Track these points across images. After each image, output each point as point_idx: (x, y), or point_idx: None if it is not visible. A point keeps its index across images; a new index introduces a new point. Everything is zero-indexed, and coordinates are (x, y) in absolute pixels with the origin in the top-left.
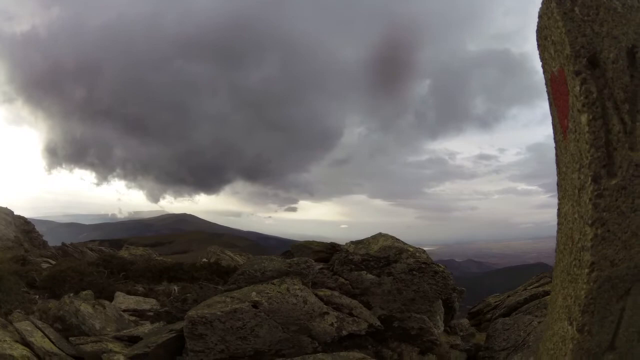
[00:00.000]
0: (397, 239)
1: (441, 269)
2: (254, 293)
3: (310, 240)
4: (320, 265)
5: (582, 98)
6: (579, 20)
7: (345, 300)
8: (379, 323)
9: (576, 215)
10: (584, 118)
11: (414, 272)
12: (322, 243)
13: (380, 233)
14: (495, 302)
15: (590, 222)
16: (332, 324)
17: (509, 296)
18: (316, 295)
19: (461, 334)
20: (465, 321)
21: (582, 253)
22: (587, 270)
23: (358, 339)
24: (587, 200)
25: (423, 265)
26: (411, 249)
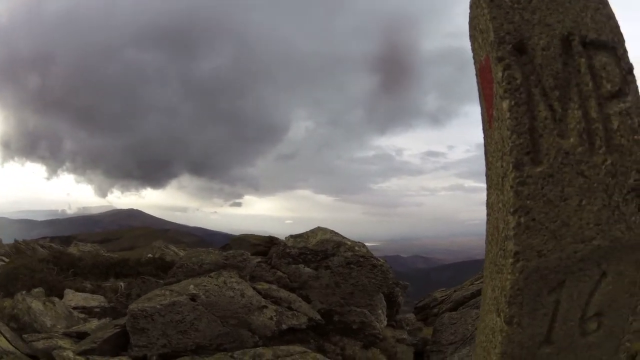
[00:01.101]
0: (336, 232)
1: (380, 262)
2: (191, 286)
3: (250, 233)
4: (258, 259)
5: (504, 84)
6: (507, 7)
7: (284, 293)
8: (319, 317)
9: (500, 205)
10: (505, 104)
11: (352, 266)
12: (260, 236)
13: (319, 227)
14: (442, 296)
15: (512, 210)
16: (271, 318)
17: (455, 291)
18: (254, 288)
19: (408, 328)
20: (411, 316)
21: (506, 243)
22: (511, 260)
23: (299, 333)
24: (509, 188)
25: (361, 259)
26: (349, 243)
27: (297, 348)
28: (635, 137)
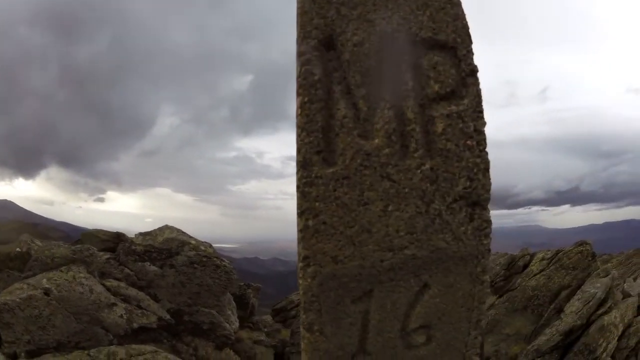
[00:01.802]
0: (182, 231)
1: (223, 263)
2: (44, 280)
3: (100, 229)
4: (108, 255)
5: (300, 79)
6: (323, 2)
7: (133, 291)
8: (168, 316)
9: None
10: (298, 101)
11: (196, 266)
12: (109, 232)
13: (166, 225)
14: (299, 299)
15: (299, 211)
16: (121, 316)
17: None
18: (103, 285)
19: (265, 330)
20: (268, 317)
21: (299, 246)
22: (301, 265)
23: (153, 332)
24: (297, 188)
25: (204, 259)
26: (194, 242)
27: (149, 347)
28: (469, 142)
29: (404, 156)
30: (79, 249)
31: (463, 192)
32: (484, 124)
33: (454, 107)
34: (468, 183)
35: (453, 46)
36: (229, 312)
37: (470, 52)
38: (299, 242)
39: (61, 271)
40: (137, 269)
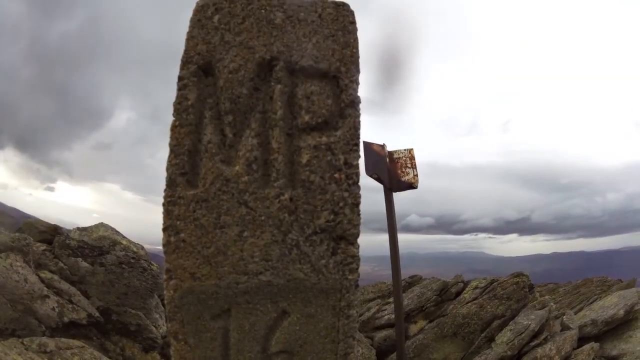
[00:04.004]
0: (117, 231)
1: (151, 266)
2: None
3: (39, 219)
4: (44, 247)
5: (175, 103)
6: (211, 28)
7: (65, 285)
8: (97, 314)
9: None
10: (171, 124)
11: (124, 266)
12: (48, 224)
13: (102, 223)
14: None
15: (163, 227)
16: (53, 309)
17: None
18: (38, 276)
19: None
20: None
21: (165, 258)
22: (165, 277)
23: (83, 328)
24: (163, 206)
25: (132, 260)
26: (125, 242)
27: (77, 342)
28: (336, 175)
29: (264, 185)
30: (17, 238)
31: (325, 225)
32: (357, 157)
33: (324, 139)
34: (332, 216)
35: (335, 75)
36: (157, 316)
37: (353, 82)
38: (164, 254)
39: (1, 257)
40: (70, 263)
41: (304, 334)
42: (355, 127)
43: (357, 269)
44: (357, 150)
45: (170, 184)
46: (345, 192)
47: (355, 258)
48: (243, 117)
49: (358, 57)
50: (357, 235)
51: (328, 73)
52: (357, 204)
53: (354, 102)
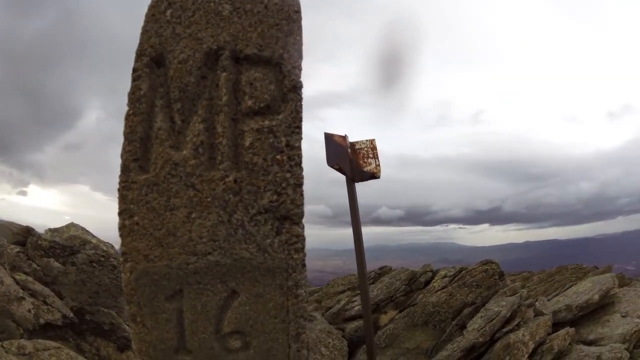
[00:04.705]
0: (87, 230)
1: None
2: None
3: (12, 222)
4: (18, 249)
5: (129, 93)
6: (164, 22)
7: (39, 287)
8: (71, 314)
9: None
10: (125, 112)
11: (94, 264)
12: (20, 226)
13: (72, 223)
14: None
15: (119, 212)
16: (29, 311)
17: None
18: (13, 278)
19: None
20: None
21: (121, 241)
22: (122, 260)
23: (59, 330)
24: (118, 191)
25: (102, 258)
26: (94, 241)
27: (54, 343)
28: (278, 157)
29: (210, 167)
30: None
31: (269, 205)
32: (299, 139)
33: (266, 122)
34: (275, 197)
35: (278, 62)
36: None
37: (295, 68)
38: (120, 238)
39: None
40: (43, 264)
41: (254, 313)
42: (297, 111)
43: (302, 248)
44: (300, 133)
45: (124, 169)
46: (287, 173)
47: (300, 237)
48: (191, 104)
49: (301, 44)
50: (302, 215)
51: (271, 60)
52: (300, 185)
53: (296, 87)
